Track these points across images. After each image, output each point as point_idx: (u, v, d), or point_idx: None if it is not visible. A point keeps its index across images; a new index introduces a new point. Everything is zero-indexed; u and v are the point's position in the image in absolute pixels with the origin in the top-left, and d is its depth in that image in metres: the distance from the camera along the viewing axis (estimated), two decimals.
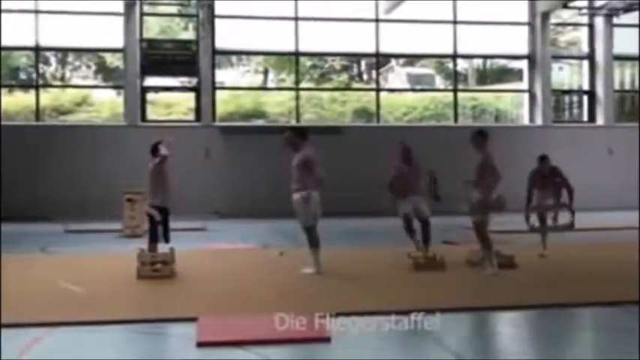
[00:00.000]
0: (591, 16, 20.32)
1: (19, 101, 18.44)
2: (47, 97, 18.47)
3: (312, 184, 8.37)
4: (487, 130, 8.78)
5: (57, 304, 6.81)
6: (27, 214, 15.85)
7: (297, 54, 19.14)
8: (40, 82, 18.41)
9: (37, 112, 17.88)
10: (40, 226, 14.65)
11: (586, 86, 20.71)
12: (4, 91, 18.09)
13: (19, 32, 17.57)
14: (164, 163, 8.77)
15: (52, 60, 19.38)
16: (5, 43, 17.37)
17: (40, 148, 16.92)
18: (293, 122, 18.76)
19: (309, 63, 20.14)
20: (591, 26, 20.51)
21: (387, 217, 14.82)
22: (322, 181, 8.47)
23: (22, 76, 19.04)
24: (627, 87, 21.22)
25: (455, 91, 20.01)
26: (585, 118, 20.67)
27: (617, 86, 20.75)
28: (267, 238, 12.51)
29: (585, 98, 20.76)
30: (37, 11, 17.68)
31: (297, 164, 8.39)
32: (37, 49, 18.03)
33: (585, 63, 20.75)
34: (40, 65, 18.62)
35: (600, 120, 20.31)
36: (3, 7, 16.82)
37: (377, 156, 17.14)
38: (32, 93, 18.10)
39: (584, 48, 20.77)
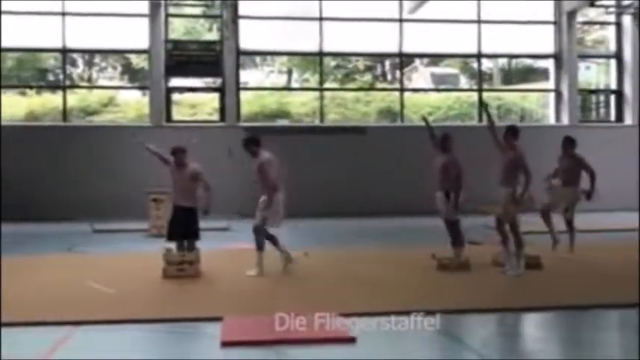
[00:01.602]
0: (618, 14, 20.03)
1: (47, 102, 18.64)
2: (74, 98, 18.65)
3: (275, 186, 8.50)
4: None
5: (83, 303, 6.89)
6: (54, 214, 16.01)
7: (321, 54, 19.13)
8: (68, 83, 18.61)
9: (65, 113, 18.09)
10: (67, 226, 14.80)
11: (614, 85, 20.43)
12: (32, 92, 18.36)
13: (46, 34, 17.78)
14: (174, 164, 8.93)
15: (79, 61, 19.57)
16: (33, 44, 17.71)
17: (67, 149, 17.11)
18: (317, 122, 18.82)
19: (333, 63, 20.10)
20: (619, 25, 20.23)
21: (411, 217, 14.93)
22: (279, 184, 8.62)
23: (50, 77, 19.25)
24: None
25: (480, 90, 19.84)
26: (613, 117, 20.40)
27: None
28: (291, 239, 12.50)
29: (613, 98, 20.48)
30: (64, 13, 17.87)
31: (257, 169, 8.64)
32: (65, 51, 18.23)
33: (613, 62, 20.48)
34: (68, 66, 18.82)
35: (628, 120, 20.03)
36: (32, 10, 17.23)
37: (401, 156, 17.24)
38: (60, 94, 18.31)
39: (612, 47, 20.50)
